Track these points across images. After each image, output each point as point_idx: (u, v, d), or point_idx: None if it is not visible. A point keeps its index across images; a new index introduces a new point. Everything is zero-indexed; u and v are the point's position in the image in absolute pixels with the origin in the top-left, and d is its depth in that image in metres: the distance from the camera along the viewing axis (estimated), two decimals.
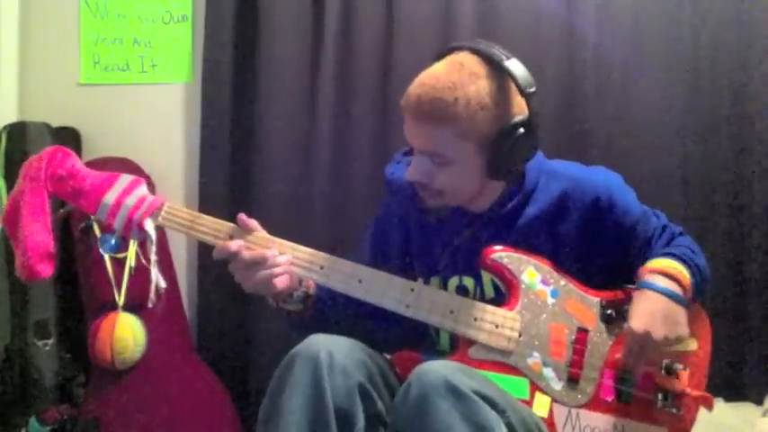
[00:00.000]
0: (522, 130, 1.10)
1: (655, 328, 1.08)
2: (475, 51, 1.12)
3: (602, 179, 1.21)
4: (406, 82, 1.16)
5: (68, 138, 2.00)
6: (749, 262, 1.73)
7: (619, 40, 1.79)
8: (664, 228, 1.24)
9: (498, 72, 1.10)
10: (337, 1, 1.90)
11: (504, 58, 1.10)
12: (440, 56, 1.16)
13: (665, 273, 1.12)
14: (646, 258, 1.18)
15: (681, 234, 1.25)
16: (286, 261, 1.16)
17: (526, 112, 1.11)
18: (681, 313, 1.11)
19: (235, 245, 1.13)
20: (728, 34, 1.75)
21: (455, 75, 1.09)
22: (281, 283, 1.15)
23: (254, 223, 1.19)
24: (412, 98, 1.11)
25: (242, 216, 1.18)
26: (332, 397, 1.01)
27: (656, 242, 1.22)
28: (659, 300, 1.10)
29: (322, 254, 1.18)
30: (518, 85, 1.10)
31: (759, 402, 1.65)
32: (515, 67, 1.10)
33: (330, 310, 1.26)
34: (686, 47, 1.76)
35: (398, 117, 1.77)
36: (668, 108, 1.77)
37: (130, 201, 1.16)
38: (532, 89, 1.10)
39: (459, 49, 1.14)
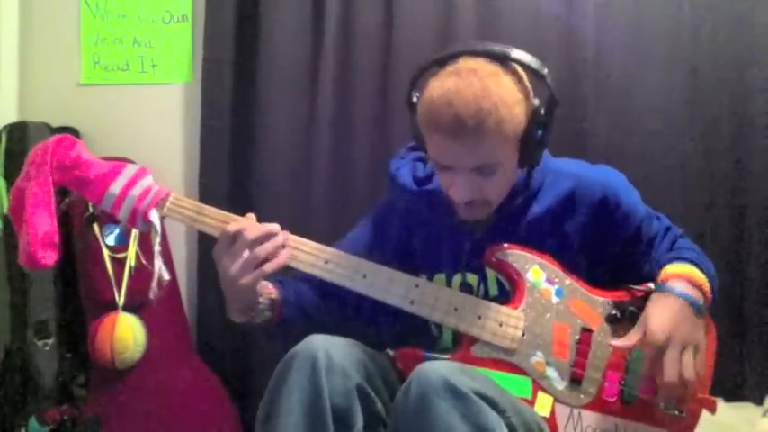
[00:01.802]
0: (543, 111, 1.10)
1: (674, 333, 1.07)
2: (475, 54, 1.09)
3: (608, 178, 1.21)
4: (407, 82, 1.15)
5: None
6: (749, 262, 1.73)
7: (619, 40, 1.78)
8: (667, 229, 1.25)
9: (509, 64, 1.09)
10: (337, 1, 1.89)
11: (507, 50, 1.09)
12: (429, 67, 1.12)
13: (689, 279, 1.12)
14: (649, 258, 1.18)
15: (681, 236, 1.26)
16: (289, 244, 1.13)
17: (543, 93, 1.10)
18: (699, 323, 1.11)
19: (235, 226, 1.08)
20: (728, 34, 1.74)
21: (477, 82, 1.03)
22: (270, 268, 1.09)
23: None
24: (447, 120, 1.03)
25: (250, 215, 1.15)
26: (330, 397, 1.01)
27: (660, 243, 1.22)
28: (680, 305, 1.09)
29: (327, 248, 1.17)
30: (532, 71, 1.09)
31: (759, 402, 1.65)
32: (521, 54, 1.09)
33: (298, 311, 1.22)
34: (686, 47, 1.76)
35: (399, 117, 1.80)
36: (668, 108, 1.76)
37: (136, 191, 1.14)
38: (545, 70, 1.10)
39: (454, 57, 1.09)
